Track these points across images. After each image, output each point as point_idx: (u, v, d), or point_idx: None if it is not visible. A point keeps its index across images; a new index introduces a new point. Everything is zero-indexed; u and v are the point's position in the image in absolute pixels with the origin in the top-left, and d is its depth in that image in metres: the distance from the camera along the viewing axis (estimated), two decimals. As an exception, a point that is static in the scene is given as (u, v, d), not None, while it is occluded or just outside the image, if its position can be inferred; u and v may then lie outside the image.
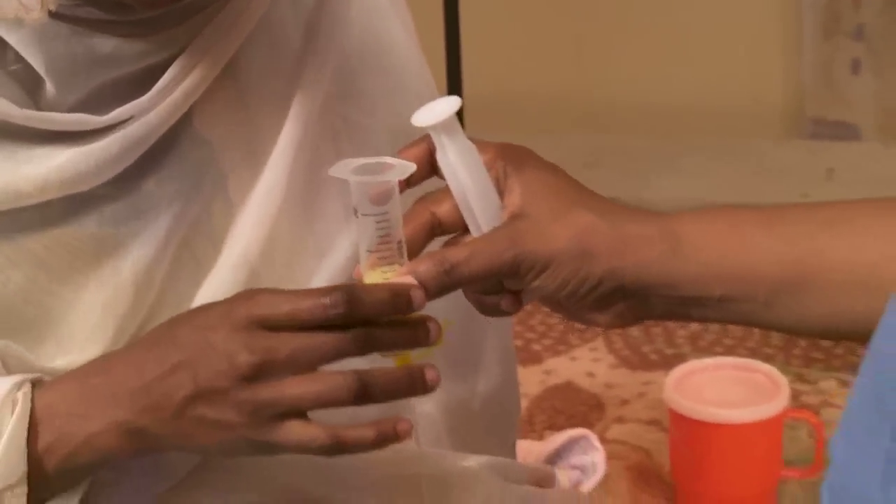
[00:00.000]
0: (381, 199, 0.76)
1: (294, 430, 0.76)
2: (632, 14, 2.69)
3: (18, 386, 0.80)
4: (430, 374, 0.78)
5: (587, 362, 1.90)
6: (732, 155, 2.58)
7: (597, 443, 1.53)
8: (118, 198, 0.86)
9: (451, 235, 0.82)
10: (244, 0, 0.88)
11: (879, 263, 0.78)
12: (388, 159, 0.78)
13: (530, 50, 2.76)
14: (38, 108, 0.83)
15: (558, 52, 2.75)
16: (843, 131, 2.59)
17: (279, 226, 0.90)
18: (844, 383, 1.79)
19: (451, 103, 0.78)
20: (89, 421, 0.79)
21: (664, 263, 0.79)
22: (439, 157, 0.79)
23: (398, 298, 0.76)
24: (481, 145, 0.80)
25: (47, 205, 0.84)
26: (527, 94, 2.76)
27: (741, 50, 2.64)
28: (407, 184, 0.78)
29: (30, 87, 0.83)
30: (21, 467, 0.78)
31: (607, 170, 2.54)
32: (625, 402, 1.78)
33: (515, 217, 0.79)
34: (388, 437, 0.77)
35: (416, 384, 0.78)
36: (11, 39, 0.81)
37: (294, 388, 0.76)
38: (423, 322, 0.78)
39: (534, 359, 1.91)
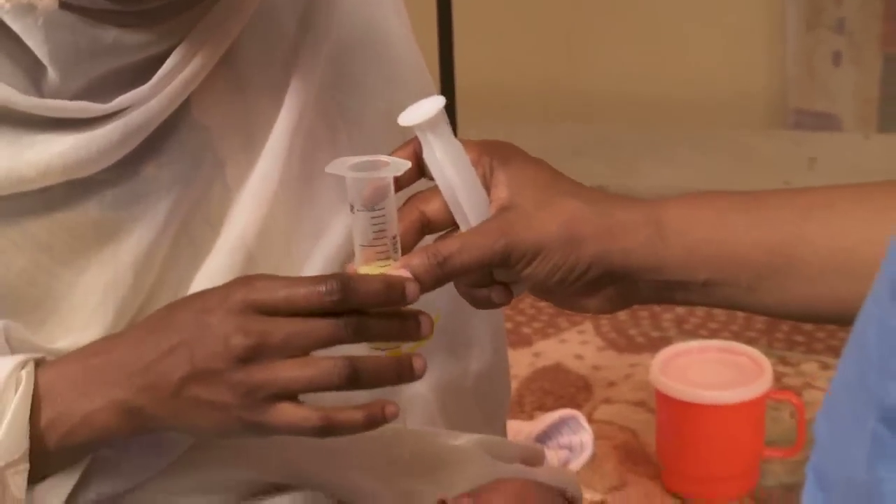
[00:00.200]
0: (377, 195, 0.77)
1: (286, 412, 0.77)
2: (620, 8, 2.70)
3: (22, 365, 0.80)
4: (417, 363, 0.79)
5: (575, 345, 1.91)
6: (717, 144, 2.59)
7: (585, 423, 1.55)
8: (119, 183, 0.86)
9: (440, 233, 0.83)
10: (241, -9, 0.88)
11: (859, 247, 0.77)
12: (384, 157, 0.79)
13: (521, 42, 2.77)
14: (41, 96, 0.83)
15: (548, 44, 2.76)
16: (825, 122, 2.59)
17: (275, 210, 0.91)
18: (826, 366, 1.80)
19: (437, 102, 0.78)
20: (89, 399, 0.80)
21: (650, 248, 0.80)
22: (426, 155, 0.80)
23: (392, 290, 0.77)
24: (466, 144, 0.81)
25: (50, 190, 0.84)
26: (517, 85, 2.77)
27: (726, 43, 2.65)
28: (397, 186, 0.79)
29: (33, 75, 0.83)
30: (23, 444, 0.79)
31: (595, 159, 2.55)
32: (612, 384, 1.79)
33: (504, 209, 0.80)
34: (376, 419, 0.78)
35: (403, 372, 0.79)
36: (16, 27, 0.80)
37: (287, 371, 0.77)
38: (416, 316, 0.79)
39: (524, 341, 1.92)
